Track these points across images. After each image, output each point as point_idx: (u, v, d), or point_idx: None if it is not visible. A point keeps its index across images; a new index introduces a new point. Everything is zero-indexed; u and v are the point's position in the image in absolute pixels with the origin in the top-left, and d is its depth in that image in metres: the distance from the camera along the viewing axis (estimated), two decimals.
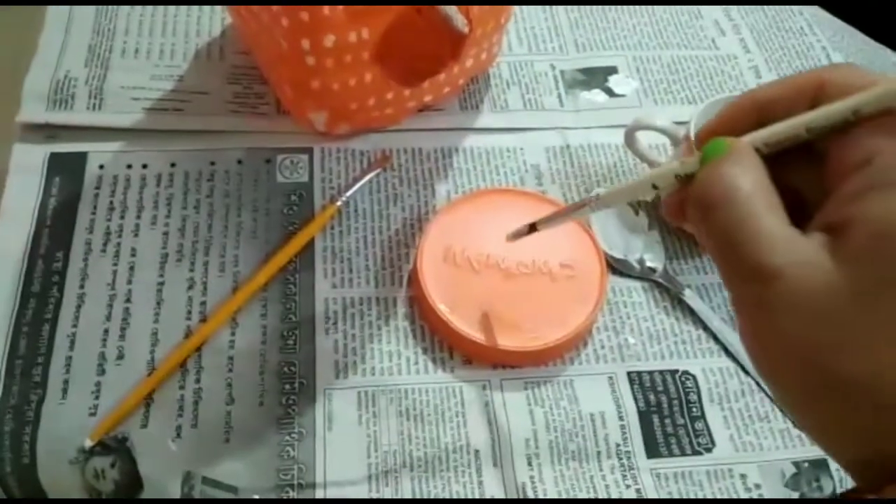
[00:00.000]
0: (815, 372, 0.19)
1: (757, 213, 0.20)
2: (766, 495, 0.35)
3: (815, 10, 0.55)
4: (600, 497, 0.34)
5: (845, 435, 0.20)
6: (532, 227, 0.34)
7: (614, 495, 0.35)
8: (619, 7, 0.53)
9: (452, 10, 0.48)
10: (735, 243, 0.20)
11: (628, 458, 0.36)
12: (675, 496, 0.35)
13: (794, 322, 0.19)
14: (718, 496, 0.35)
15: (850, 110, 0.20)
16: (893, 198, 0.19)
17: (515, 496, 0.34)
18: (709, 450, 0.36)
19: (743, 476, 0.35)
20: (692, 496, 0.35)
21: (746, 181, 0.21)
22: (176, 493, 0.33)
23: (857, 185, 0.20)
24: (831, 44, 0.52)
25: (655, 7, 0.53)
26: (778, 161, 0.22)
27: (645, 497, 0.35)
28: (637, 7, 0.53)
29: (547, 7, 0.52)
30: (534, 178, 0.44)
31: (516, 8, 0.51)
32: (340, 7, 0.35)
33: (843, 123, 0.21)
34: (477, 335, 0.37)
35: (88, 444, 0.34)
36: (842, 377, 0.19)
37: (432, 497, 0.34)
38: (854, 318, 0.19)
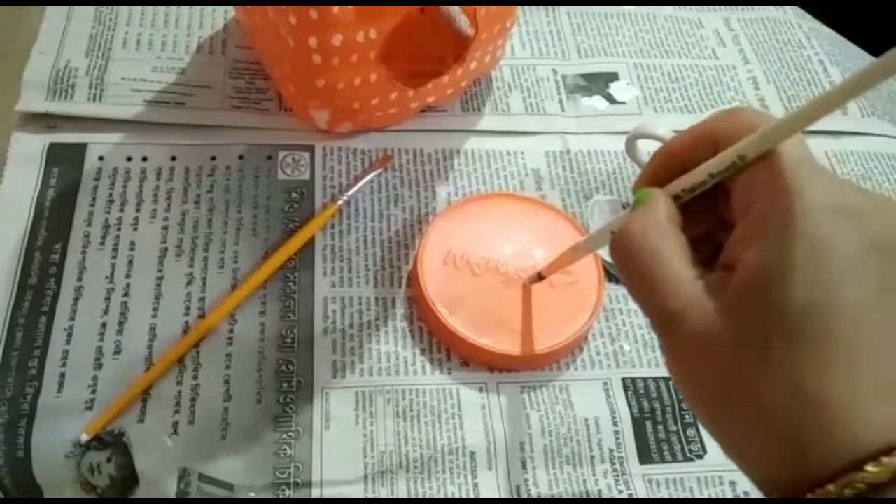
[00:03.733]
0: (718, 401, 0.21)
1: (662, 261, 0.22)
2: None
3: (813, 24, 0.55)
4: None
5: (752, 456, 0.21)
6: (540, 276, 0.37)
7: (606, 499, 0.35)
8: (620, 14, 0.53)
9: (457, 12, 0.48)
10: (644, 290, 0.22)
11: (621, 463, 0.36)
12: None
13: (696, 358, 0.21)
14: None
15: (735, 155, 0.22)
16: (756, 249, 0.20)
17: (510, 499, 0.35)
18: (700, 457, 0.37)
19: (733, 483, 0.36)
20: None
21: (653, 232, 0.23)
22: (172, 490, 0.33)
23: (741, 231, 0.21)
24: (829, 57, 0.53)
25: (657, 15, 0.54)
26: (718, 200, 0.23)
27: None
28: (639, 15, 0.54)
29: (550, 12, 0.53)
30: (534, 183, 0.45)
31: (520, 12, 0.51)
32: (350, 7, 0.35)
33: (735, 168, 0.22)
34: (475, 338, 0.37)
35: (84, 438, 0.33)
36: (735, 405, 0.21)
37: (427, 498, 0.34)
38: (733, 353, 0.20)
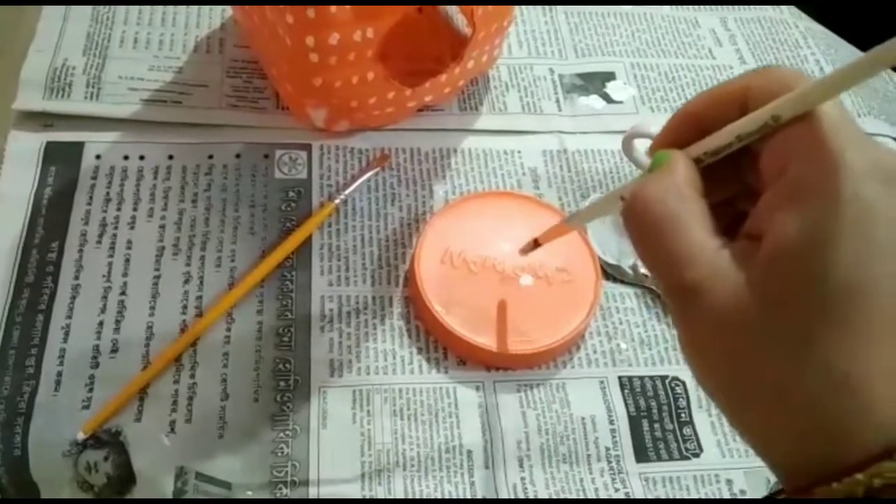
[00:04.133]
0: (737, 379, 0.20)
1: (679, 227, 0.21)
2: None
3: (809, 24, 0.56)
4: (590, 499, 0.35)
5: (773, 438, 0.20)
6: (536, 242, 0.36)
7: (603, 498, 0.35)
8: (618, 14, 0.53)
9: (454, 11, 0.48)
10: (660, 259, 0.21)
11: (618, 461, 0.36)
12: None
13: (715, 333, 0.20)
14: None
15: (769, 115, 0.20)
16: (794, 216, 0.19)
17: (507, 497, 0.35)
18: (696, 455, 0.37)
19: (729, 482, 0.36)
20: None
21: (672, 197, 0.21)
22: (169, 488, 0.33)
23: (772, 197, 0.20)
24: (825, 57, 0.53)
25: (654, 15, 0.54)
26: (742, 164, 0.22)
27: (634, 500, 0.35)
28: (636, 14, 0.54)
29: (547, 11, 0.53)
30: (531, 182, 0.45)
31: (517, 11, 0.51)
32: (347, 6, 0.36)
33: (767, 129, 0.20)
34: (471, 336, 0.37)
35: (81, 437, 0.33)
36: (759, 384, 0.19)
37: (424, 496, 0.34)
38: (761, 330, 0.19)
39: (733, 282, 0.20)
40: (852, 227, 0.18)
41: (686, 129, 0.23)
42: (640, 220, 0.22)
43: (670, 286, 0.21)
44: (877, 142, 0.20)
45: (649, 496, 0.35)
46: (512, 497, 0.35)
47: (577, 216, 0.32)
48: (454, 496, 0.34)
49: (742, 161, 0.22)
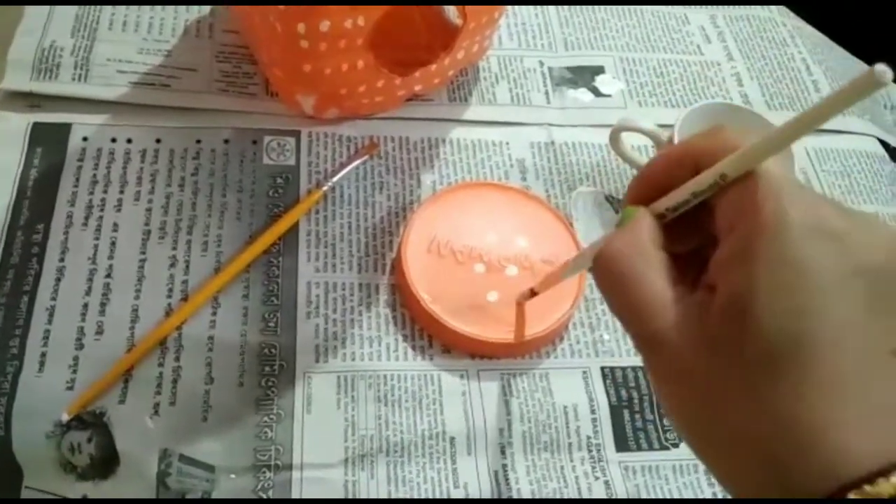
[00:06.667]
0: (700, 422, 0.21)
1: (642, 281, 0.22)
2: None
3: (798, 23, 0.56)
4: (570, 487, 0.35)
5: (736, 479, 0.21)
6: (533, 292, 0.37)
7: (583, 486, 0.36)
8: (608, 8, 0.54)
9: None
10: (626, 309, 0.22)
11: (598, 450, 0.37)
12: (642, 489, 0.36)
13: (678, 379, 0.21)
14: (683, 491, 0.36)
15: (717, 175, 0.22)
16: (740, 273, 0.20)
17: (488, 484, 0.35)
18: (675, 445, 0.37)
19: (707, 471, 0.37)
20: (658, 490, 0.36)
21: (635, 252, 0.23)
22: (153, 470, 0.33)
23: (723, 252, 0.21)
24: (811, 56, 0.54)
25: (644, 10, 0.54)
26: (704, 216, 0.23)
27: (613, 489, 0.36)
28: (626, 9, 0.54)
29: (538, 4, 0.53)
30: (518, 173, 0.45)
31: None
32: None
33: (717, 187, 0.22)
34: (457, 325, 0.37)
35: (65, 417, 0.33)
36: (719, 428, 0.21)
37: (407, 482, 0.35)
38: (715, 378, 0.20)
39: (691, 332, 0.21)
40: (787, 288, 0.19)
41: (650, 186, 0.24)
42: (606, 274, 0.23)
43: (637, 336, 0.22)
44: (819, 197, 0.21)
45: (629, 485, 0.36)
46: (494, 484, 0.35)
47: (567, 266, 0.34)
48: (436, 482, 0.35)
49: (703, 213, 0.23)
